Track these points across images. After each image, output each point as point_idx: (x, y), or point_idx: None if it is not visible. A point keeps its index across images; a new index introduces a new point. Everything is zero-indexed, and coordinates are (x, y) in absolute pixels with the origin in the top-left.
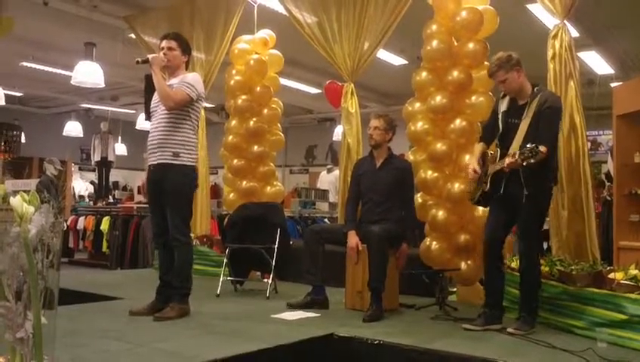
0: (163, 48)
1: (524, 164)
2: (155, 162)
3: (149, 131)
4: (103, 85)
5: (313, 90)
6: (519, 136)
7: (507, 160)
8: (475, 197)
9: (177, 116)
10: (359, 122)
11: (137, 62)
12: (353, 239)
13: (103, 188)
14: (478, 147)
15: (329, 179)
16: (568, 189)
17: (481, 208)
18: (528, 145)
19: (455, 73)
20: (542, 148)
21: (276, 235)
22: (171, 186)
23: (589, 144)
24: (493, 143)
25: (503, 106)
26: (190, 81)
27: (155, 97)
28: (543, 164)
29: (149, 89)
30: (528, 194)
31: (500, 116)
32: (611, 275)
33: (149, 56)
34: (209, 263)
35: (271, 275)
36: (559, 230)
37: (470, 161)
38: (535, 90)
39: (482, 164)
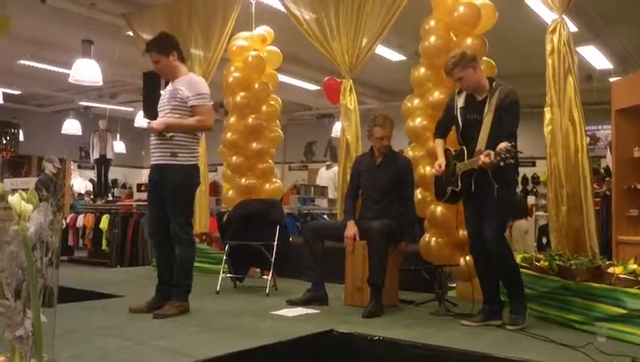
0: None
1: (502, 164)
2: (155, 162)
3: (147, 129)
4: (101, 83)
5: (312, 87)
6: (484, 132)
7: (482, 158)
8: (446, 197)
9: (179, 118)
10: (358, 118)
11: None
12: (351, 229)
13: (102, 186)
14: (440, 143)
15: (328, 176)
16: (567, 184)
17: None
18: (504, 145)
19: None
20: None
21: (275, 232)
22: (171, 185)
23: (588, 139)
24: (447, 138)
25: (460, 102)
26: (200, 90)
27: (161, 100)
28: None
29: (148, 87)
30: (500, 188)
31: (457, 112)
32: (610, 270)
33: (151, 126)
34: (208, 260)
35: (270, 272)
36: (558, 225)
37: (438, 158)
38: (493, 85)
39: (447, 161)
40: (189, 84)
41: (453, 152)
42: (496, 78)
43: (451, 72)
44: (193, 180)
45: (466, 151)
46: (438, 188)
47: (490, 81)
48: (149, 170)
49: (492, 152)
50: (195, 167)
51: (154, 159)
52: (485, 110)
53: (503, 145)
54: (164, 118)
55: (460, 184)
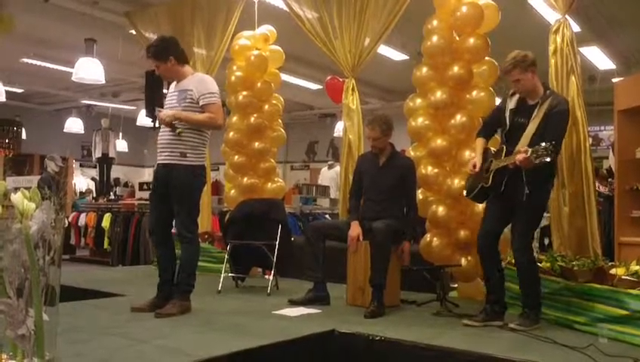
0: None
1: (537, 161)
2: (163, 161)
3: (149, 128)
4: (103, 81)
5: (314, 86)
6: (527, 136)
7: (520, 156)
8: (473, 193)
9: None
10: (360, 118)
11: (179, 132)
12: (356, 229)
13: (104, 185)
14: (480, 142)
15: (330, 175)
16: (570, 185)
17: (481, 204)
18: (543, 144)
19: (455, 68)
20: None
21: (277, 231)
22: (178, 184)
23: (591, 140)
24: (492, 139)
25: (511, 104)
26: (207, 89)
27: (169, 101)
28: (547, 164)
29: (150, 85)
30: (529, 193)
31: (507, 114)
32: (613, 271)
33: (164, 122)
34: (210, 260)
35: (272, 271)
36: (561, 226)
37: (473, 156)
38: (547, 92)
39: (484, 159)
40: (197, 83)
41: (493, 151)
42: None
43: (510, 72)
44: (200, 180)
45: (504, 151)
46: (469, 185)
47: (545, 87)
48: (151, 168)
49: (530, 149)
50: (202, 168)
51: (162, 158)
52: (534, 115)
53: (543, 143)
54: (173, 111)
55: (490, 181)
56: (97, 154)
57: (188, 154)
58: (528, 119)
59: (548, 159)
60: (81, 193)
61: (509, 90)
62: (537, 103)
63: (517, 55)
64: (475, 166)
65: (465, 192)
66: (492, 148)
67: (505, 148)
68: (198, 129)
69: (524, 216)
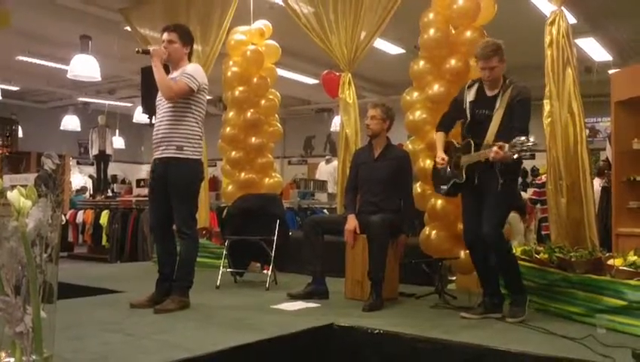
0: (164, 41)
1: (515, 157)
2: (160, 156)
3: (146, 124)
4: (99, 78)
5: (311, 81)
6: (493, 128)
7: (493, 153)
8: (446, 189)
9: (180, 109)
10: (357, 112)
11: (137, 51)
12: (352, 222)
13: (101, 182)
14: (440, 136)
15: (328, 170)
16: (567, 177)
17: None
18: (522, 138)
19: (452, 62)
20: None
21: (275, 226)
22: (176, 180)
23: (587, 131)
24: (451, 132)
25: (470, 96)
26: (190, 71)
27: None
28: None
29: (146, 82)
30: (504, 183)
31: (467, 106)
32: (610, 262)
33: (150, 48)
34: (208, 255)
35: (270, 266)
36: (558, 217)
37: (438, 151)
38: (507, 81)
39: (449, 154)
40: (183, 69)
41: (457, 145)
42: (507, 74)
43: (490, 59)
44: (198, 175)
45: (473, 144)
46: (437, 181)
47: (504, 77)
48: (148, 165)
49: (506, 145)
50: (199, 162)
51: (158, 153)
52: (497, 106)
53: (522, 138)
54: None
55: (464, 176)
56: (94, 151)
57: (184, 148)
58: (491, 111)
59: (524, 153)
60: (77, 191)
61: (466, 83)
62: (498, 94)
63: (495, 43)
64: (443, 159)
65: (434, 188)
66: (454, 141)
67: (472, 141)
68: (196, 121)
69: (498, 205)
